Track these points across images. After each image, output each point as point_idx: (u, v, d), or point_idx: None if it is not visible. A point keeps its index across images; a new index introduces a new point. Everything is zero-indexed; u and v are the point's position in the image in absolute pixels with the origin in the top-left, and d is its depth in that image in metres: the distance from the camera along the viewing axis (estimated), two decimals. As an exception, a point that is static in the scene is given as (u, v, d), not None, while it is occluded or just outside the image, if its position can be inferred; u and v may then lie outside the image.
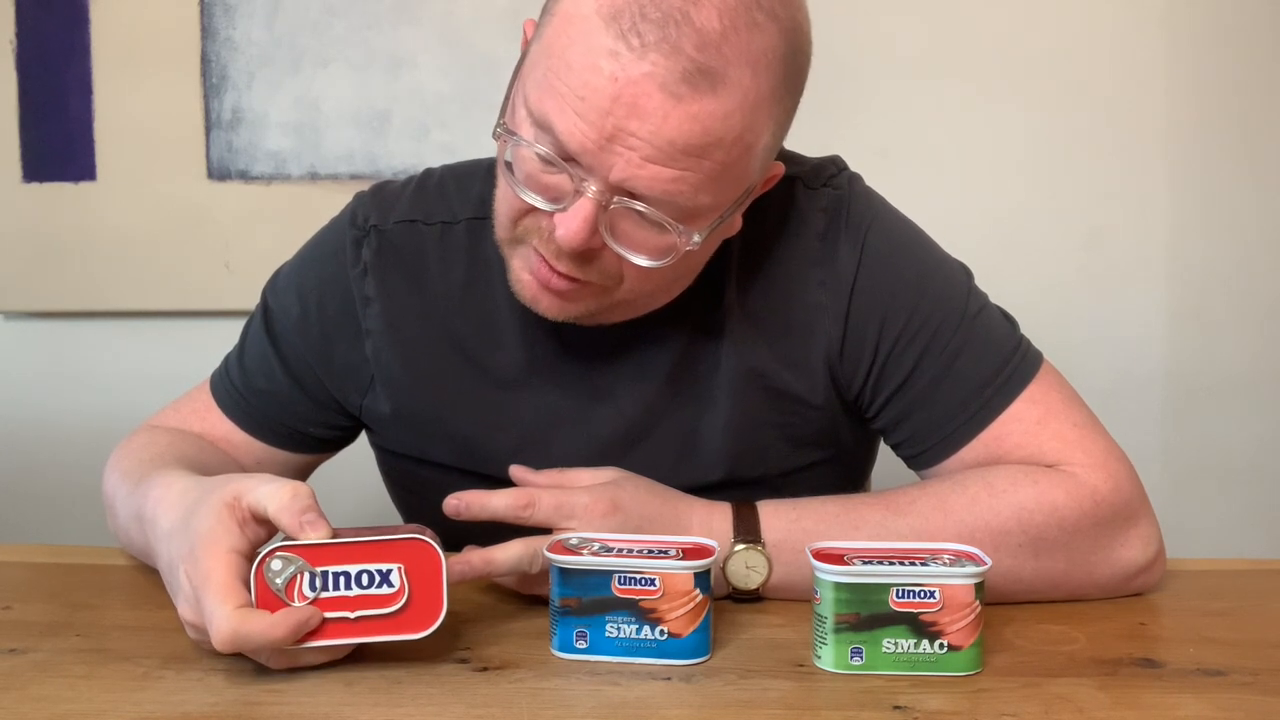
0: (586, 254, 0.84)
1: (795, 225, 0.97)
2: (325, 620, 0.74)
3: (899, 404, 0.96)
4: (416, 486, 1.09)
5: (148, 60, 1.77)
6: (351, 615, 0.75)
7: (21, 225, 1.80)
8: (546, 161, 0.82)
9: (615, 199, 0.81)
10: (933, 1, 1.72)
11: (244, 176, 1.78)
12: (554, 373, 0.99)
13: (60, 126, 1.79)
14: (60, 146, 1.79)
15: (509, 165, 0.85)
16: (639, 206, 0.81)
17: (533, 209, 0.85)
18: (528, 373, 1.00)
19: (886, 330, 0.95)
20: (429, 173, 1.06)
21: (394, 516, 1.14)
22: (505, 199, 0.88)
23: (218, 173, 1.78)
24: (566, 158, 0.81)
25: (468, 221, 1.01)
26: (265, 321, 1.06)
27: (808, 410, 0.98)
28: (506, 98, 0.88)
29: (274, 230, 1.74)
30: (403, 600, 0.75)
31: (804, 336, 0.97)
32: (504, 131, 0.86)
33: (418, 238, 1.01)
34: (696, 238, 0.84)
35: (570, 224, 0.81)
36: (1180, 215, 1.73)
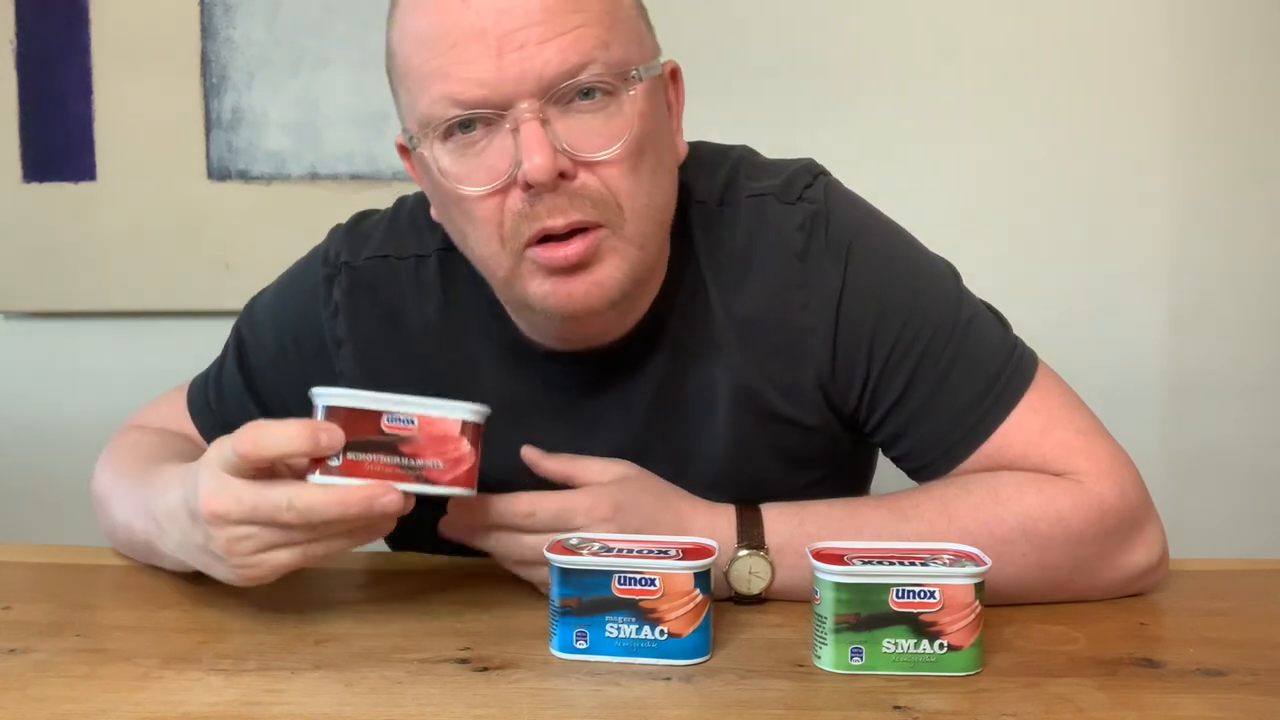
0: (566, 184, 0.83)
1: (772, 245, 0.95)
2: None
3: (895, 420, 0.95)
4: (403, 520, 1.09)
5: (148, 60, 1.77)
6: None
7: (21, 225, 1.80)
8: (468, 133, 0.83)
9: (546, 105, 0.82)
10: (934, 3, 1.72)
11: (244, 176, 1.78)
12: (537, 406, 0.98)
13: (60, 126, 1.79)
14: (60, 146, 1.79)
15: (454, 188, 0.85)
16: (571, 85, 0.82)
17: (501, 205, 0.85)
18: (510, 406, 0.98)
19: (878, 348, 0.94)
20: (401, 202, 1.05)
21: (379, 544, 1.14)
22: (474, 228, 0.87)
23: (218, 173, 1.78)
24: (487, 108, 0.82)
25: (439, 254, 0.99)
26: (239, 355, 1.04)
27: (804, 433, 0.97)
28: (400, 147, 0.91)
29: (274, 230, 1.74)
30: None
31: (793, 360, 0.95)
32: (416, 141, 0.87)
33: (390, 273, 1.00)
34: (634, 75, 0.84)
35: (531, 155, 0.81)
36: (1181, 215, 1.73)
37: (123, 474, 0.98)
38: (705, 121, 1.69)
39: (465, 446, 0.79)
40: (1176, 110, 1.72)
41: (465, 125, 0.84)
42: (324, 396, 0.78)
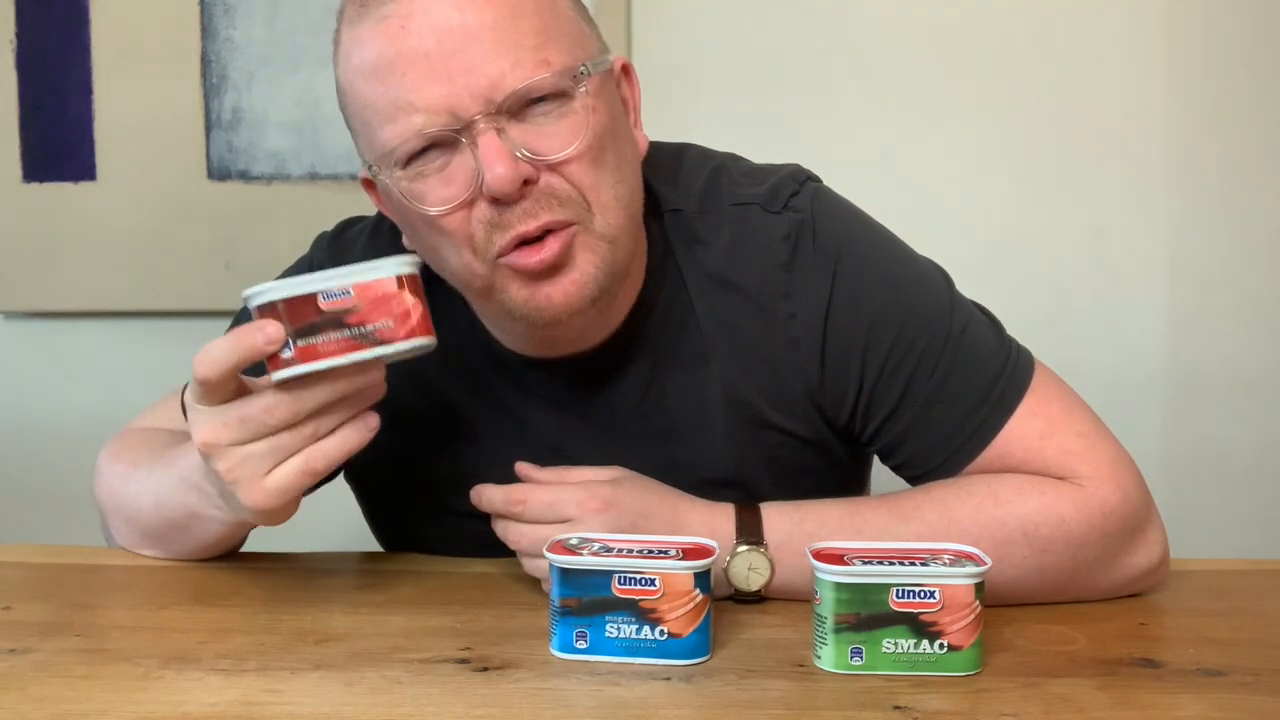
0: (530, 189, 0.83)
1: (757, 256, 0.94)
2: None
3: (891, 431, 0.95)
4: (396, 520, 1.09)
5: (148, 60, 1.76)
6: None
7: (21, 225, 1.80)
8: (428, 155, 0.84)
9: (500, 116, 0.82)
10: (934, 2, 1.72)
11: (244, 176, 1.78)
12: (520, 414, 0.98)
13: (60, 126, 1.79)
14: (60, 146, 1.79)
15: (417, 208, 0.85)
16: (523, 95, 0.82)
17: (468, 216, 0.85)
18: (497, 416, 0.99)
19: (870, 361, 0.93)
20: (383, 213, 1.04)
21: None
22: (445, 241, 0.87)
23: (218, 173, 1.78)
24: (443, 129, 0.82)
25: (420, 265, 0.98)
26: None
27: (797, 443, 0.97)
28: (364, 180, 0.92)
29: (274, 230, 1.74)
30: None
31: (780, 371, 0.95)
32: (376, 171, 0.87)
33: None
34: (582, 71, 0.84)
35: (492, 166, 0.82)
36: (1181, 215, 1.73)
37: (139, 464, 0.99)
38: (702, 122, 1.70)
39: (408, 298, 0.78)
40: (1176, 109, 1.71)
41: (423, 149, 0.84)
42: (254, 297, 0.78)
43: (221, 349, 0.77)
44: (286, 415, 0.78)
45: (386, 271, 0.77)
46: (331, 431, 0.80)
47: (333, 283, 0.76)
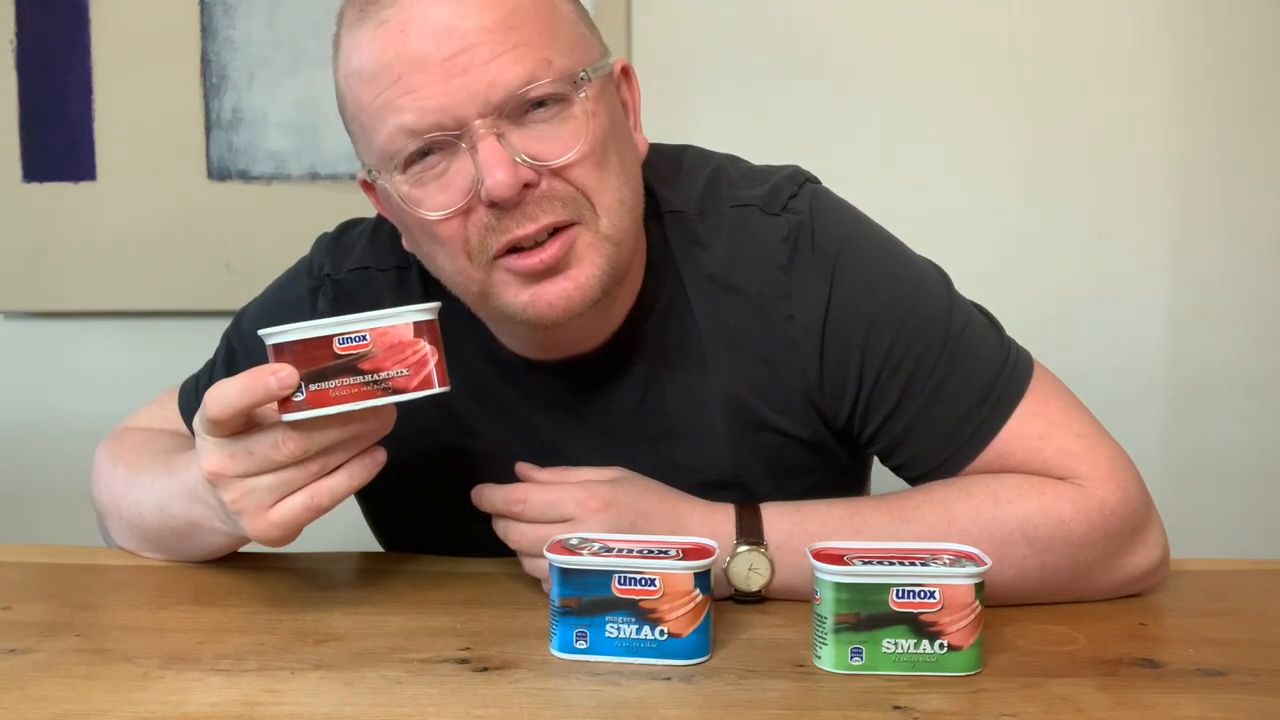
0: (531, 192, 0.83)
1: (756, 258, 0.94)
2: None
3: (890, 432, 0.94)
4: (396, 520, 1.09)
5: (148, 60, 1.76)
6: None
7: (21, 225, 1.80)
8: (426, 160, 0.84)
9: (499, 120, 0.82)
10: (934, 3, 1.72)
11: (244, 176, 1.78)
12: (520, 416, 0.98)
13: (60, 126, 1.79)
14: (60, 146, 1.79)
15: (414, 212, 0.85)
16: (522, 99, 0.82)
17: (464, 223, 0.84)
18: (496, 417, 0.99)
19: (869, 362, 0.93)
20: (383, 216, 1.04)
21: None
22: (440, 248, 0.87)
23: (218, 173, 1.78)
24: (441, 132, 0.82)
25: (420, 265, 0.97)
26: (229, 366, 1.05)
27: (795, 444, 0.97)
28: (363, 182, 0.92)
29: (274, 230, 1.74)
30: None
31: (780, 373, 0.95)
32: (375, 175, 0.87)
33: (372, 285, 1.00)
34: (582, 77, 0.84)
35: (492, 171, 0.81)
36: (1181, 216, 1.73)
37: (140, 468, 0.98)
38: (702, 122, 1.70)
39: (424, 347, 0.78)
40: (1176, 110, 1.71)
41: (423, 153, 0.84)
42: (270, 336, 0.78)
43: (234, 391, 0.77)
44: (294, 452, 0.78)
45: (404, 318, 0.77)
46: (338, 467, 0.80)
47: (349, 327, 0.77)
